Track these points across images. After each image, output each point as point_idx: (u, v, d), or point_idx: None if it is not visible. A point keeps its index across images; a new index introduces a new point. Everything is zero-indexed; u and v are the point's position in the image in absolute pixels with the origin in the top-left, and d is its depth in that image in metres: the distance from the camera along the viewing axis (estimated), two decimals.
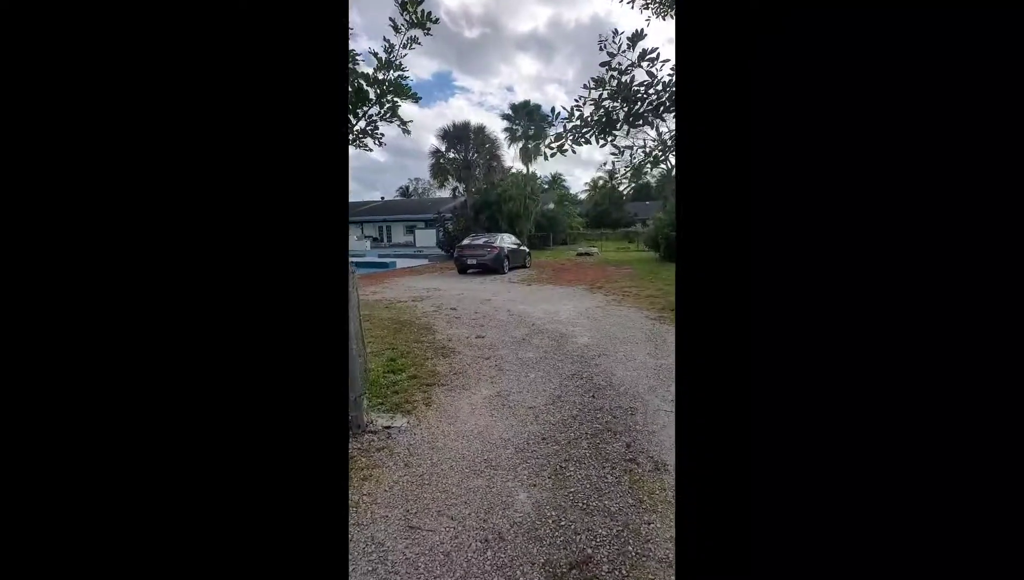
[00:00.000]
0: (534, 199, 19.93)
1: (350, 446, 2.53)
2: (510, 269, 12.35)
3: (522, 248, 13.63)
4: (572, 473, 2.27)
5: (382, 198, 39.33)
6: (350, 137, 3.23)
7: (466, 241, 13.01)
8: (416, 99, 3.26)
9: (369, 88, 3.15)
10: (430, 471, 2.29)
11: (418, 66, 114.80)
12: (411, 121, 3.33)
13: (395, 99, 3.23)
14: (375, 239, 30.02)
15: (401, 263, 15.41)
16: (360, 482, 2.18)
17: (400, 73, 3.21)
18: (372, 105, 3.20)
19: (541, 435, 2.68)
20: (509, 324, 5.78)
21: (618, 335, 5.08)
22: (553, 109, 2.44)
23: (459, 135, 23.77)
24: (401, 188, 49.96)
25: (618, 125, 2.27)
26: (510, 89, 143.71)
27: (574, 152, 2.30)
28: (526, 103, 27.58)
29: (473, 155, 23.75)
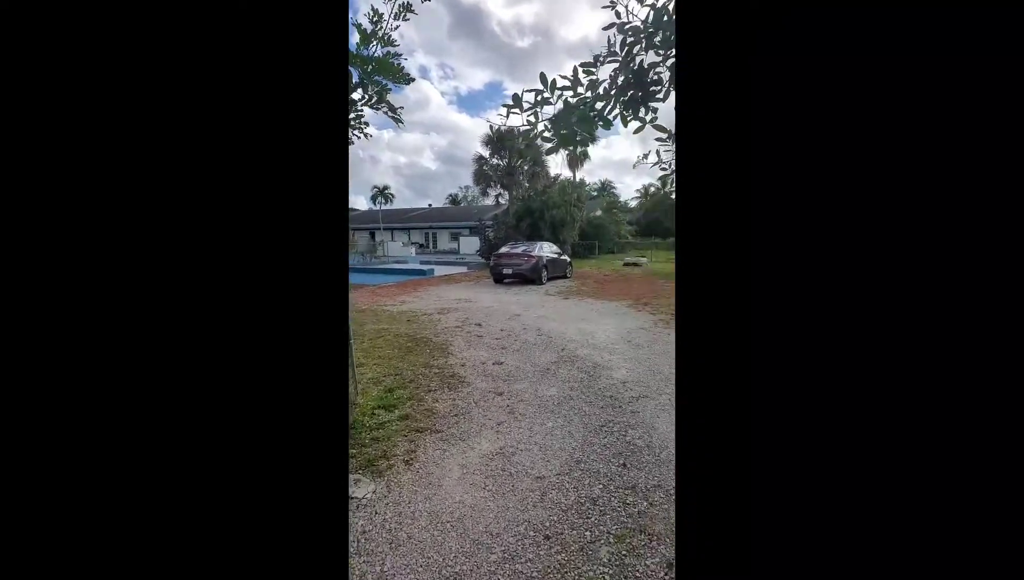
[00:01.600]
0: (579, 206, 19.02)
1: None
2: (549, 280, 11.60)
3: (562, 257, 12.82)
4: None
5: (429, 205, 39.81)
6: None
7: (503, 249, 12.37)
8: (408, 81, 2.64)
9: (351, 68, 2.56)
10: None
11: (471, 77, 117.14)
12: (402, 107, 2.71)
13: (383, 81, 2.63)
14: (421, 245, 30.22)
15: (440, 270, 15.00)
16: None
17: (389, 49, 2.61)
18: (354, 89, 2.60)
19: (544, 529, 1.94)
20: (536, 347, 5.04)
21: (664, 370, 4.21)
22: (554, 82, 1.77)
23: (502, 141, 23.25)
24: (450, 195, 50.41)
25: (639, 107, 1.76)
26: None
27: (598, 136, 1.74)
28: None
29: (517, 161, 23.12)
